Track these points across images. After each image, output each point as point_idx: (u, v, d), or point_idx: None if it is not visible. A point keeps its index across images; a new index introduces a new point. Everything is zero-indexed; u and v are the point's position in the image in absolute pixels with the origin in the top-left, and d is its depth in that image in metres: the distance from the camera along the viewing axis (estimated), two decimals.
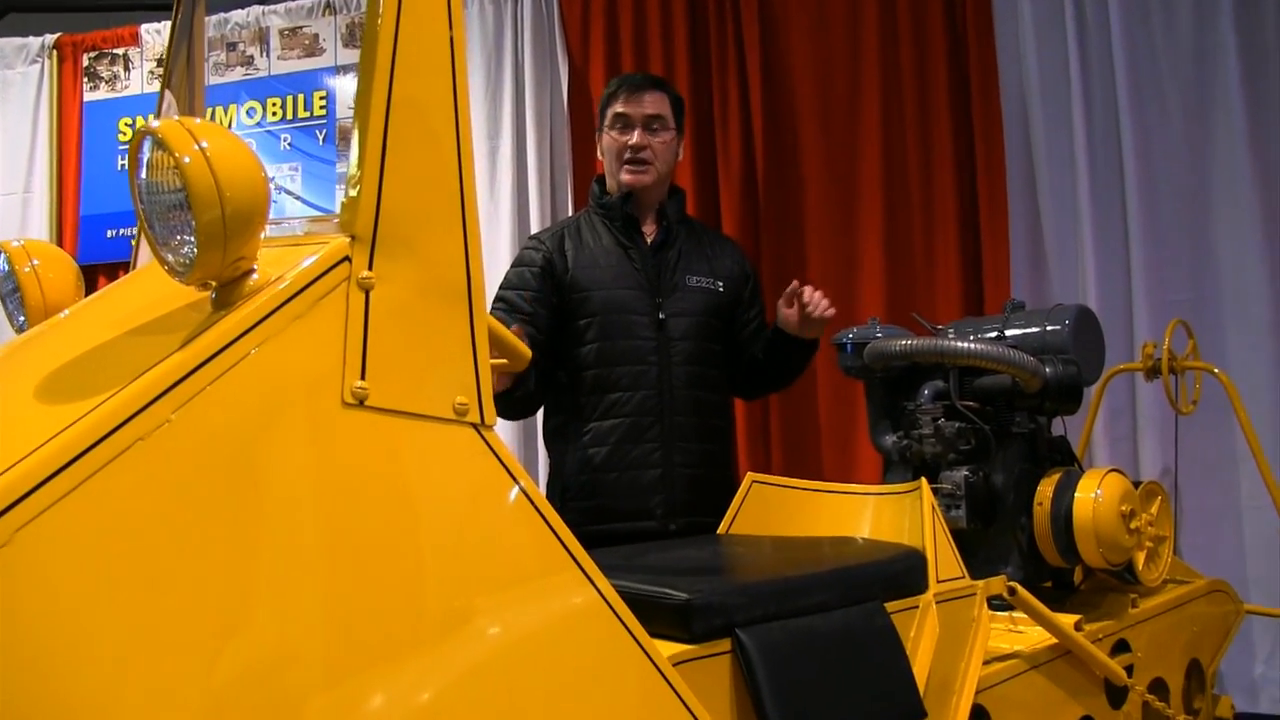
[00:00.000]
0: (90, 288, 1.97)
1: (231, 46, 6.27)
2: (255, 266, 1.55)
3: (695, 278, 3.53)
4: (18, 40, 6.55)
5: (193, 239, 1.45)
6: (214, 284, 1.53)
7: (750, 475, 3.05)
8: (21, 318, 2.12)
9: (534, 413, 3.72)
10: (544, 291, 3.43)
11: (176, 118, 1.49)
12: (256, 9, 6.28)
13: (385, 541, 1.56)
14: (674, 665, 1.91)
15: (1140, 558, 3.24)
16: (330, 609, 1.49)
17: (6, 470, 1.27)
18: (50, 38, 6.53)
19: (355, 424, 1.54)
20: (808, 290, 3.36)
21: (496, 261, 5.01)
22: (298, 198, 6.01)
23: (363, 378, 1.55)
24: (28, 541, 1.26)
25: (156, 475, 1.36)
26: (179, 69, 2.47)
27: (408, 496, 1.61)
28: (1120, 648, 3.14)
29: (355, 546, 1.52)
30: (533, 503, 1.74)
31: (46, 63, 6.49)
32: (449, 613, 1.62)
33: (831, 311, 3.38)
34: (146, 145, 1.48)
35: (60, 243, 6.36)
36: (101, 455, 1.32)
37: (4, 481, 1.26)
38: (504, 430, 5.09)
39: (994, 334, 3.50)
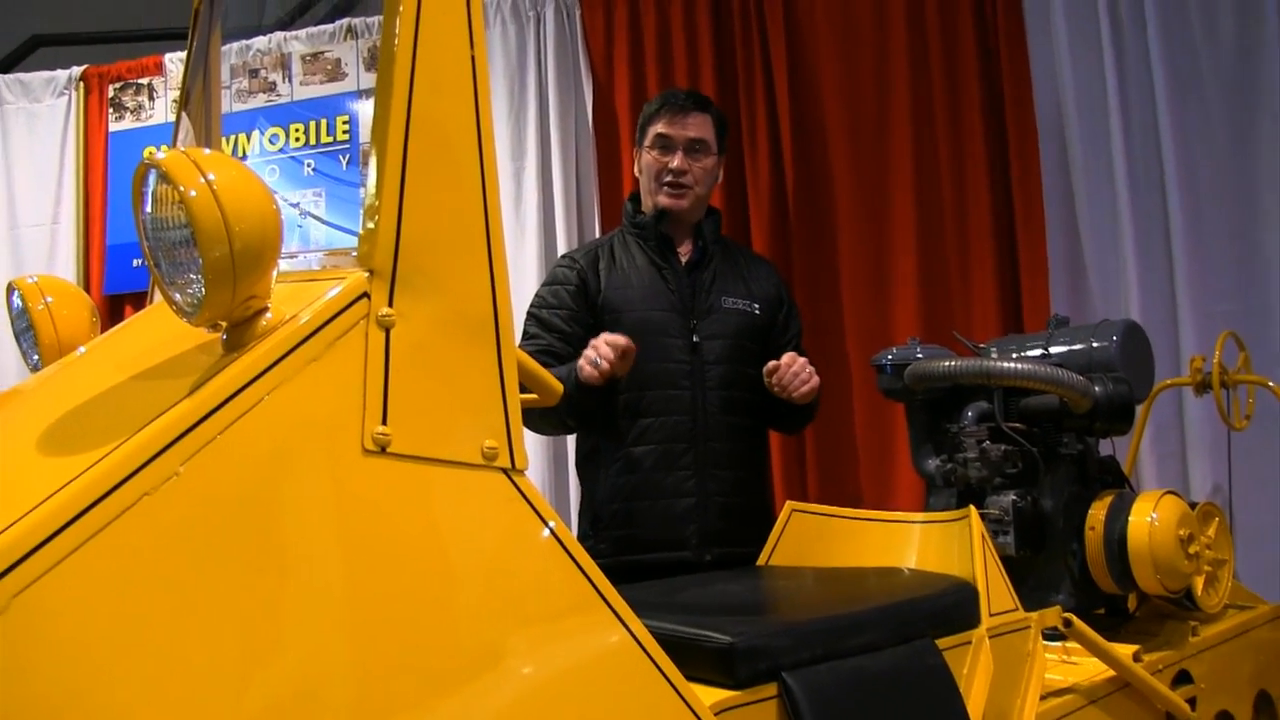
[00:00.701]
0: (118, 317, 1.94)
1: (254, 73, 6.22)
2: (268, 305, 1.46)
3: (731, 299, 3.44)
4: (46, 74, 6.58)
5: (200, 278, 1.37)
6: (224, 325, 1.45)
7: (790, 504, 2.97)
8: (35, 356, 2.06)
9: (571, 433, 3.64)
10: (579, 310, 3.38)
11: (184, 148, 1.41)
12: (278, 35, 6.24)
13: (410, 595, 1.47)
14: (717, 714, 1.83)
15: (1199, 583, 3.13)
16: (353, 667, 1.41)
17: (3, 531, 1.19)
18: (77, 70, 6.55)
19: (377, 473, 1.45)
20: (779, 371, 3.23)
21: (523, 284, 4.94)
22: (324, 221, 5.95)
23: (384, 423, 1.46)
24: (27, 607, 1.18)
25: (165, 532, 1.28)
26: (196, 93, 2.41)
27: (433, 549, 1.52)
28: (1182, 679, 3.02)
29: (379, 602, 1.44)
30: (567, 551, 1.65)
31: (73, 94, 6.51)
32: (476, 662, 1.54)
33: (806, 389, 3.24)
34: (151, 178, 1.40)
35: (87, 272, 6.40)
36: (105, 513, 1.24)
37: (0, 543, 1.18)
38: (534, 454, 5.02)
39: (1038, 352, 3.39)
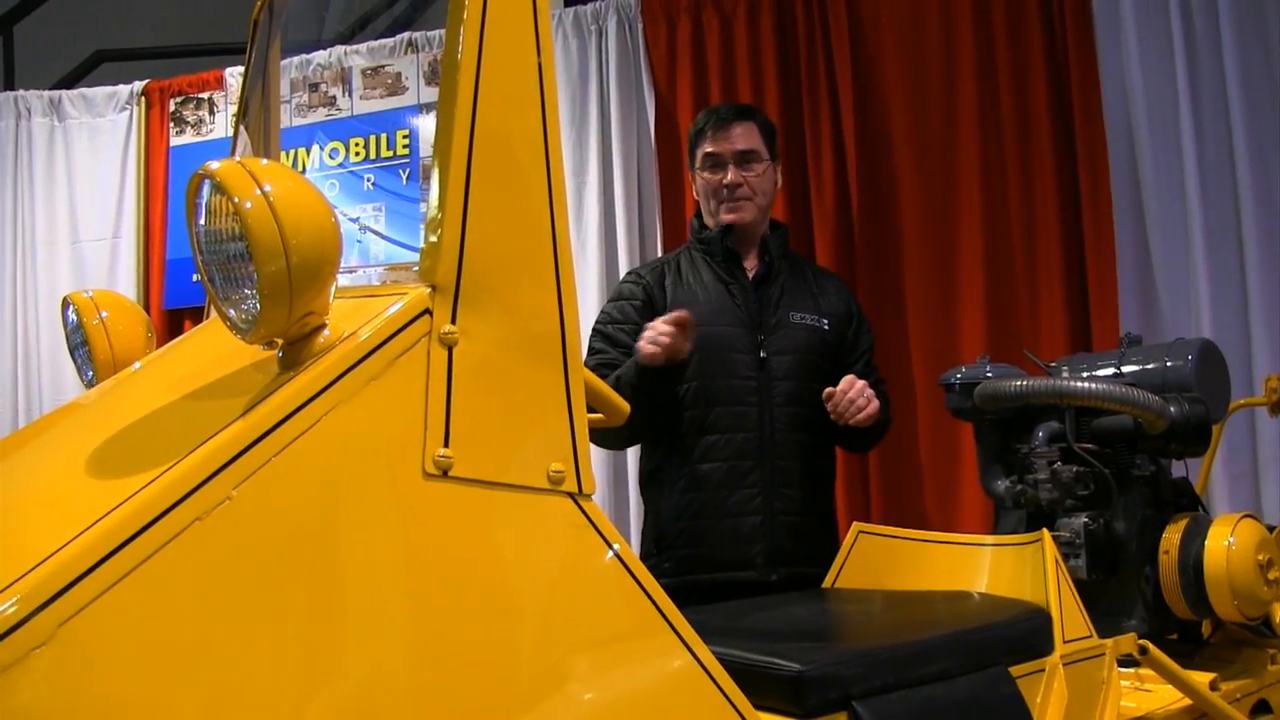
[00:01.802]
0: (178, 331, 1.92)
1: (314, 87, 6.23)
2: (326, 322, 1.41)
3: (799, 314, 3.39)
4: (108, 89, 6.62)
5: (255, 293, 1.32)
6: (280, 342, 1.40)
7: (857, 525, 2.91)
8: (90, 372, 2.04)
9: (636, 442, 3.61)
10: (645, 326, 3.31)
11: (239, 159, 1.36)
12: (338, 49, 6.24)
13: (472, 623, 1.43)
14: None
15: (1278, 609, 3.03)
16: (414, 696, 1.37)
17: (48, 558, 1.15)
18: (139, 85, 6.58)
19: (438, 498, 1.41)
20: (834, 397, 3.18)
21: (585, 301, 4.89)
22: (384, 236, 5.95)
23: (446, 445, 1.42)
24: (73, 637, 1.14)
25: (217, 560, 1.23)
26: (255, 106, 2.39)
27: (496, 576, 1.47)
28: (1261, 709, 2.93)
29: (440, 630, 1.39)
30: (636, 579, 1.60)
31: (135, 109, 6.55)
32: (539, 689, 1.50)
33: (862, 416, 3.18)
34: (205, 189, 1.35)
35: (147, 287, 6.43)
36: (155, 539, 1.19)
37: (45, 571, 1.14)
38: (594, 471, 4.97)
39: (1110, 371, 3.32)
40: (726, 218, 3.41)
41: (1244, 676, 2.96)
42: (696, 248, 3.49)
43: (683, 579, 3.15)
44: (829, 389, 3.18)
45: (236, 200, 1.29)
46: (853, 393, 3.16)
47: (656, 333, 3.04)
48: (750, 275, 3.43)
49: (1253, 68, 4.62)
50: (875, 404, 3.19)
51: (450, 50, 1.52)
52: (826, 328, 3.41)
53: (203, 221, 1.37)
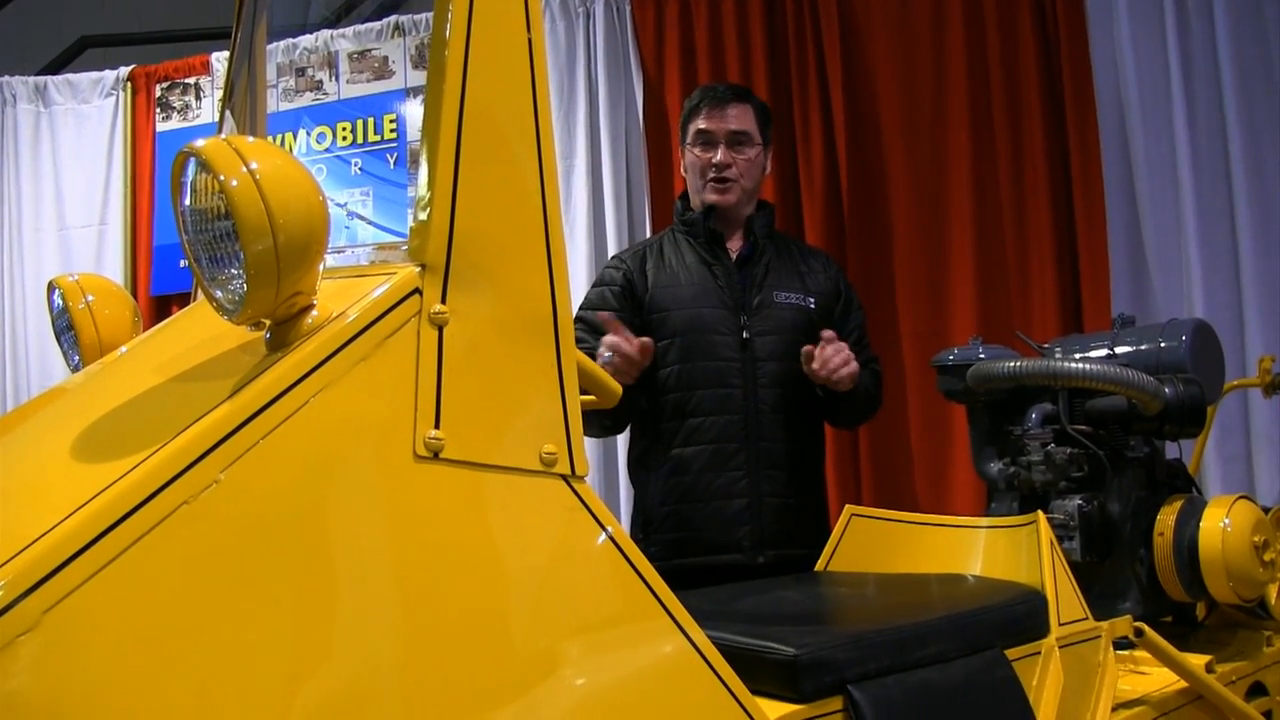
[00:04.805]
0: (163, 318, 1.91)
1: (300, 72, 6.20)
2: (314, 302, 1.39)
3: (784, 294, 3.35)
4: (94, 74, 6.63)
5: (242, 273, 1.30)
6: (268, 323, 1.38)
7: (849, 508, 2.88)
8: (76, 356, 2.01)
9: (623, 429, 3.60)
10: (626, 311, 3.31)
11: (224, 136, 1.34)
12: (324, 33, 6.23)
13: (464, 608, 1.41)
14: None
15: (1273, 591, 3.02)
16: (404, 681, 1.35)
17: (33, 543, 1.12)
18: (124, 70, 6.58)
19: (429, 480, 1.38)
20: (815, 354, 3.13)
21: (572, 287, 4.87)
22: (371, 222, 5.93)
23: (437, 426, 1.39)
24: (59, 624, 1.12)
25: (205, 543, 1.21)
26: (240, 88, 2.35)
27: (488, 560, 1.45)
28: (1256, 691, 2.92)
29: (431, 615, 1.37)
30: (629, 561, 1.58)
31: (121, 95, 6.55)
32: (532, 673, 1.47)
33: (843, 373, 3.14)
34: (190, 167, 1.33)
35: (134, 273, 6.45)
36: (141, 523, 1.17)
37: (30, 556, 1.11)
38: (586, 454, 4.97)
39: (1103, 352, 3.29)
40: (711, 198, 3.37)
41: (1239, 659, 2.95)
42: (679, 229, 3.46)
43: (670, 563, 3.12)
44: (808, 346, 3.14)
45: (222, 178, 1.27)
46: (831, 349, 3.13)
47: (602, 361, 2.99)
48: (734, 255, 3.40)
49: (1246, 47, 4.61)
50: (854, 365, 3.16)
51: (439, 26, 1.49)
52: (813, 306, 3.37)
53: (188, 201, 1.34)
